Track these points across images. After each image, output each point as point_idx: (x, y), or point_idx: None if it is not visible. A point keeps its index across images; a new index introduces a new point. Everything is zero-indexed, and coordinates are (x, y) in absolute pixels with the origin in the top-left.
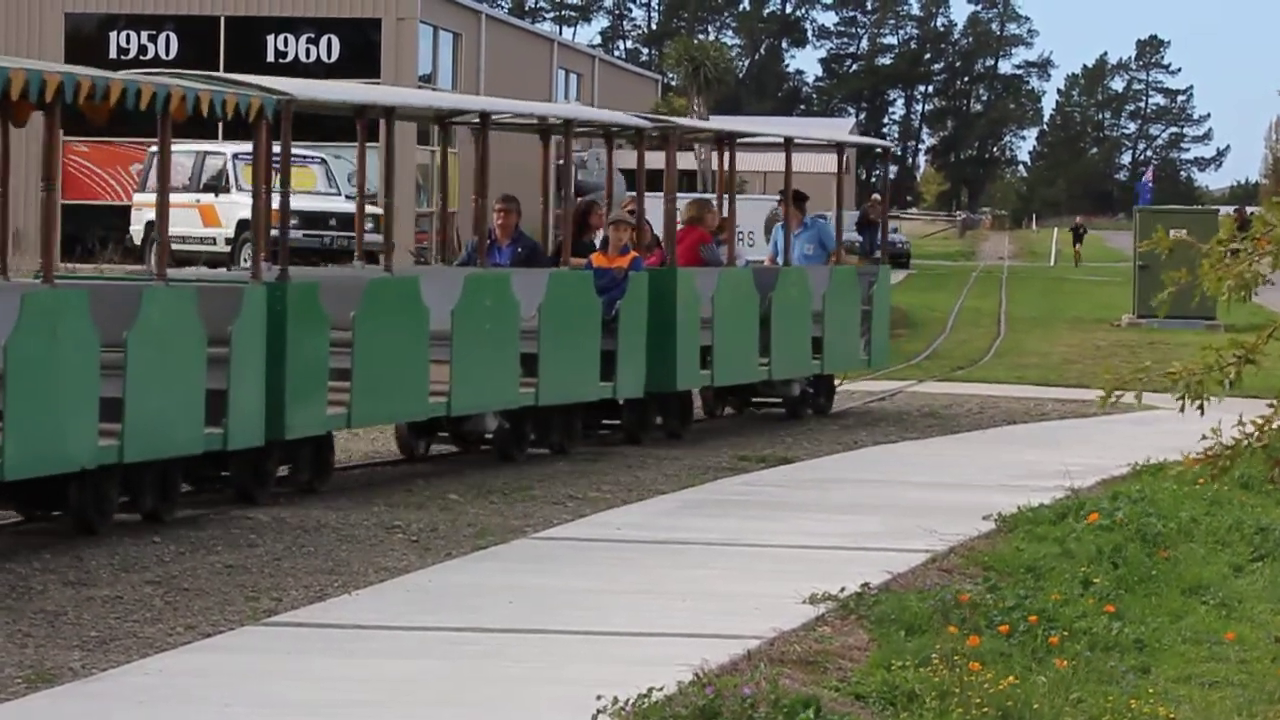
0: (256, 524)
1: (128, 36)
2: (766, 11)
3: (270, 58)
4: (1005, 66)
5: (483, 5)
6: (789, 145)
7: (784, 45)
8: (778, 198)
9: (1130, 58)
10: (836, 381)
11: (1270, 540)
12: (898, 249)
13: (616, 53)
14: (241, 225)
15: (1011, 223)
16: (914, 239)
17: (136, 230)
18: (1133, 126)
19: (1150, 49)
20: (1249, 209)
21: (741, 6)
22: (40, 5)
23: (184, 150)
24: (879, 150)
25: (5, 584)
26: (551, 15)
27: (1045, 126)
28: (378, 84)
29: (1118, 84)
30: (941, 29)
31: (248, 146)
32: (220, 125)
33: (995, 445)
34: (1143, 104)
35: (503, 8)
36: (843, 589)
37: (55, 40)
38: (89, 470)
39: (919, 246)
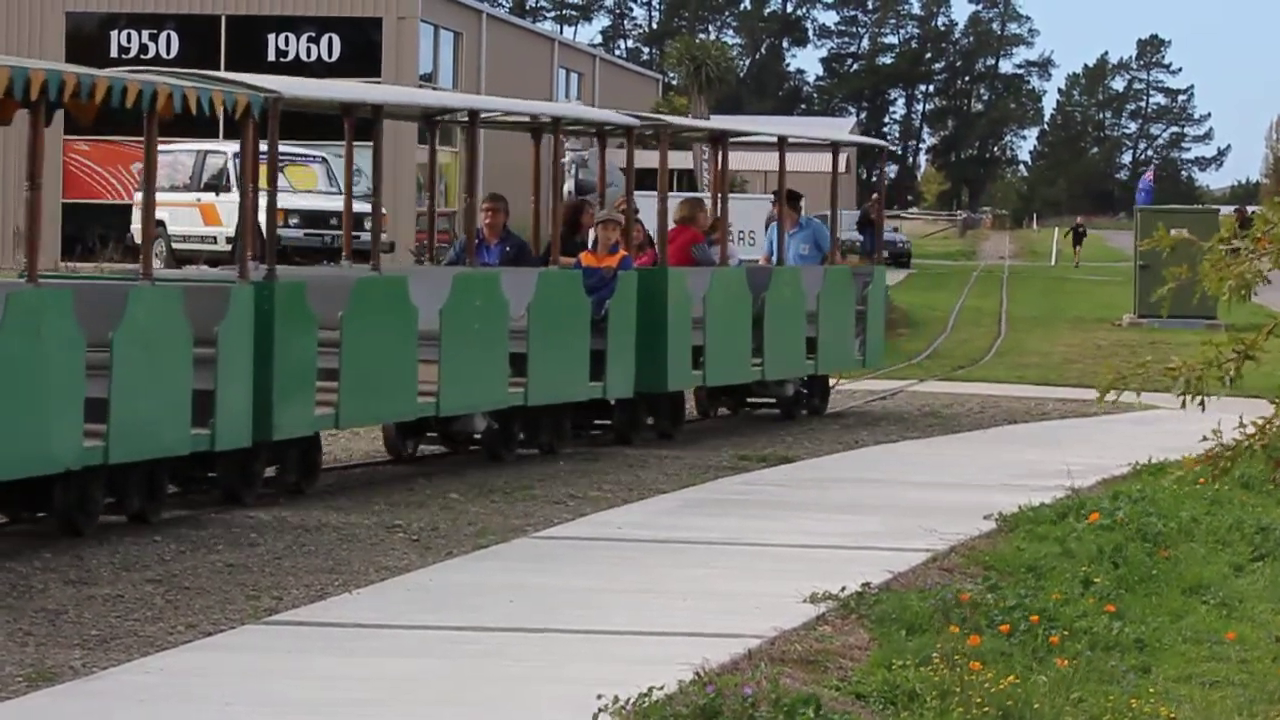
0: (257, 523)
1: (128, 35)
2: (767, 11)
3: (271, 57)
4: (1006, 66)
5: (483, 4)
6: (782, 144)
7: (785, 45)
8: (772, 197)
9: (1131, 57)
10: (832, 382)
11: (1271, 540)
12: (898, 248)
13: (617, 52)
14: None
15: (1012, 222)
16: (915, 238)
17: (137, 229)
18: (1133, 126)
19: (1151, 48)
20: (1249, 208)
21: (742, 6)
22: (41, 4)
23: (185, 149)
24: (877, 149)
25: (6, 582)
26: (552, 14)
27: (1046, 126)
28: (379, 83)
29: (1118, 83)
30: (942, 28)
31: None
32: (221, 124)
33: (996, 445)
34: (1143, 103)
35: (503, 7)
36: (843, 588)
37: (56, 39)
38: (74, 471)
39: (920, 246)
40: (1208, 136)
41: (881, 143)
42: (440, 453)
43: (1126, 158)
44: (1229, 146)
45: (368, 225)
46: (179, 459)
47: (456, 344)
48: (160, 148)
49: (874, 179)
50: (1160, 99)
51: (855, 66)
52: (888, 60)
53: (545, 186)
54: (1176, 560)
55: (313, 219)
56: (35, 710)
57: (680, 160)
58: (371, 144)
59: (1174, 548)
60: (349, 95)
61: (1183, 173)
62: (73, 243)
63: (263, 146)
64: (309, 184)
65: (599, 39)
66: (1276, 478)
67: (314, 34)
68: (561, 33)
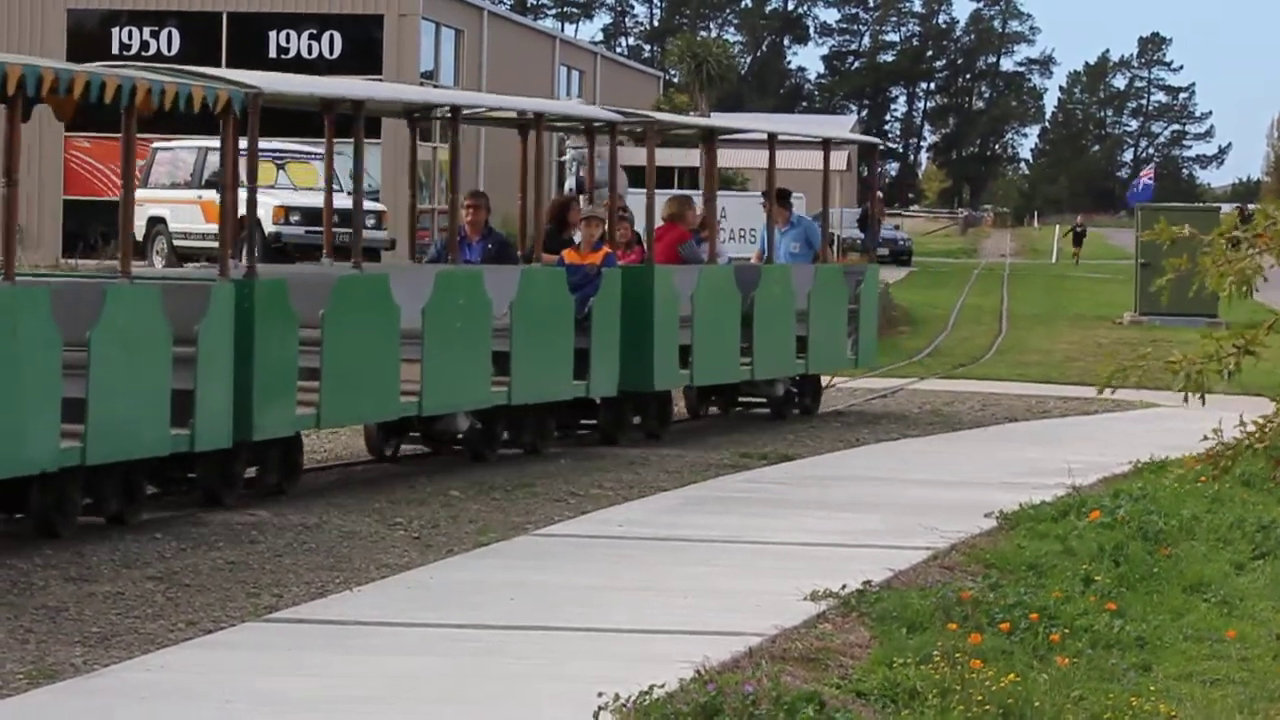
0: (258, 520)
1: (130, 32)
2: (769, 8)
3: (272, 54)
4: (1007, 64)
5: (485, 2)
6: (772, 141)
7: (786, 42)
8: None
9: (1132, 55)
10: (825, 381)
11: (1272, 538)
12: (900, 246)
13: (619, 49)
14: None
15: (1013, 220)
16: (916, 236)
17: (138, 226)
18: (1135, 124)
19: (1152, 46)
20: (1250, 207)
21: (744, 3)
22: (43, 1)
23: (186, 146)
24: (881, 147)
25: (7, 580)
26: (554, 12)
27: (1047, 124)
28: (379, 80)
29: (1120, 81)
30: (943, 26)
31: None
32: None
33: (997, 443)
34: (1145, 101)
35: (505, 4)
36: (844, 586)
37: (57, 36)
38: (51, 473)
39: (921, 244)
40: (1209, 134)
41: (874, 140)
42: (422, 453)
43: (1128, 155)
44: (1230, 145)
45: (369, 223)
46: (158, 460)
47: (439, 343)
48: (161, 145)
49: (876, 176)
50: (1161, 97)
51: (856, 64)
52: (889, 58)
53: (548, 184)
54: (1177, 558)
55: (314, 217)
56: (36, 707)
57: (687, 159)
58: (378, 142)
59: (1175, 546)
60: (330, 91)
61: (1184, 171)
62: (74, 239)
63: (271, 143)
64: (310, 181)
65: (600, 36)
66: (1277, 476)
67: (315, 31)
68: (563, 30)
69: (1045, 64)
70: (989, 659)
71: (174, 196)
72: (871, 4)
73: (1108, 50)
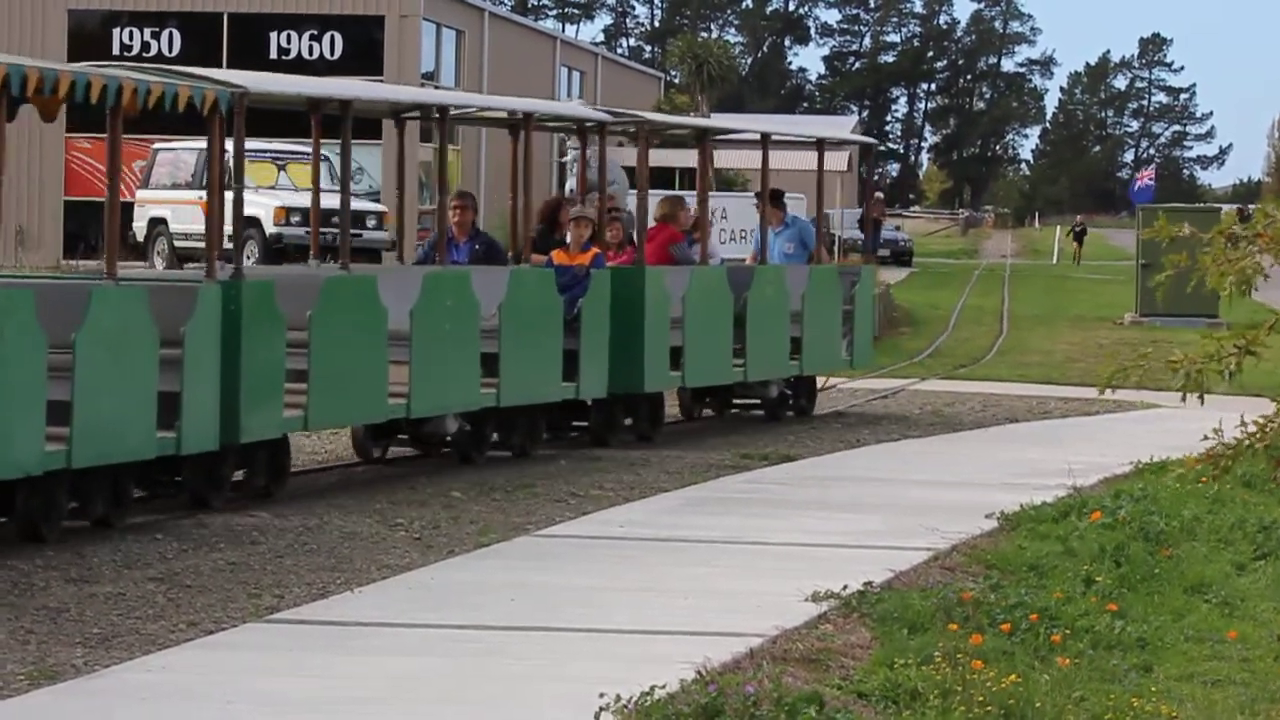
0: (259, 521)
1: (130, 33)
2: (769, 9)
3: (273, 55)
4: (1008, 64)
5: (486, 2)
6: (766, 141)
7: (787, 43)
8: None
9: (1133, 56)
10: (825, 383)
11: (1273, 539)
12: (900, 247)
13: (619, 50)
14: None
15: (1014, 221)
16: (917, 237)
17: (139, 227)
18: (1135, 125)
19: (1153, 47)
20: (1250, 207)
21: (744, 4)
22: (43, 2)
23: (186, 147)
24: (878, 148)
25: (8, 580)
26: (555, 13)
27: (1048, 124)
28: (380, 81)
29: (1120, 82)
30: (944, 27)
31: (252, 144)
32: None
33: (997, 443)
34: (1145, 102)
35: (506, 5)
36: (845, 587)
37: (58, 37)
38: (36, 476)
39: (922, 245)
40: (1209, 135)
41: (870, 140)
42: (411, 455)
43: (1129, 156)
44: (1231, 145)
45: (369, 224)
46: (144, 463)
47: (427, 344)
48: (163, 146)
49: (876, 177)
50: (1162, 97)
51: (857, 65)
52: (890, 59)
53: (547, 185)
54: (1178, 559)
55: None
56: (37, 708)
57: (687, 159)
58: (379, 143)
59: (1176, 546)
60: (316, 90)
61: (1184, 171)
62: (75, 240)
63: (271, 144)
64: (310, 183)
65: (601, 37)
66: (1278, 476)
67: (316, 32)
68: (564, 31)
69: (1046, 65)
70: (990, 660)
71: (175, 197)
72: (872, 5)
73: (1108, 51)
